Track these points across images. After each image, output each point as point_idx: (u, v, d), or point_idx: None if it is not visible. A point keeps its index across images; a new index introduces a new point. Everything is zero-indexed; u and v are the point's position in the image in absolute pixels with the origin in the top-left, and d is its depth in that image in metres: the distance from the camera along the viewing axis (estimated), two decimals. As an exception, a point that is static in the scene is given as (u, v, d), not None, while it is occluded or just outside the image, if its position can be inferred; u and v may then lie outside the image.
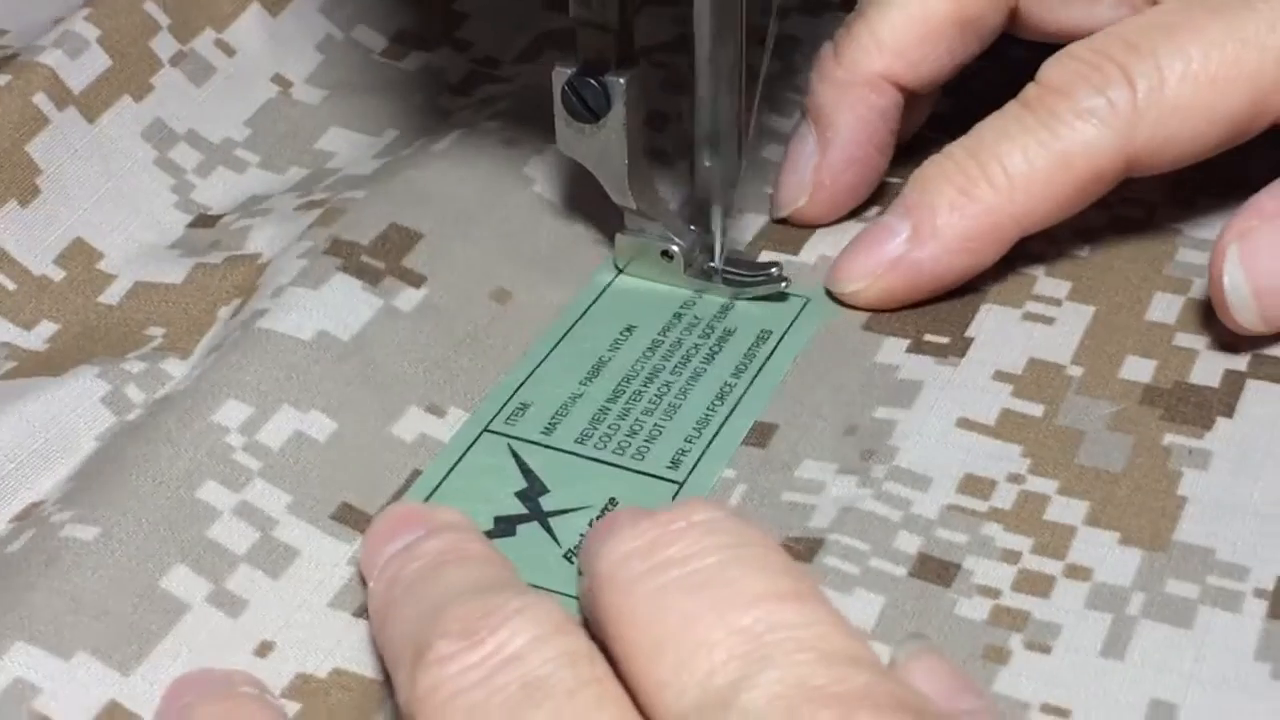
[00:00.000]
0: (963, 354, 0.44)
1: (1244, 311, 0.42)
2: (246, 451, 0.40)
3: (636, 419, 0.42)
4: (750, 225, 0.49)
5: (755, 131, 0.46)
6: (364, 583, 0.38)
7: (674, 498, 0.40)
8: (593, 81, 0.43)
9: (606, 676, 0.32)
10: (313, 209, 0.48)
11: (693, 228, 0.46)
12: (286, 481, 0.40)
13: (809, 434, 0.42)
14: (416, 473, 0.41)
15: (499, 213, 0.47)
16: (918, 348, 0.44)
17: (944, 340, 0.44)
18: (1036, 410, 0.42)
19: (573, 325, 0.45)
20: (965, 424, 0.42)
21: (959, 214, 0.44)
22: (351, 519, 0.40)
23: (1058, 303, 0.45)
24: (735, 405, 0.42)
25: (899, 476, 0.40)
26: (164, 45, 0.51)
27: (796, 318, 0.45)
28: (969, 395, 0.42)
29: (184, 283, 0.47)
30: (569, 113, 0.44)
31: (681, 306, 0.46)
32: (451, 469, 0.41)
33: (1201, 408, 0.42)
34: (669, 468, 0.41)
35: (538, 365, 0.44)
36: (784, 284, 0.45)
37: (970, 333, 0.44)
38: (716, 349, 0.44)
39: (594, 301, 0.46)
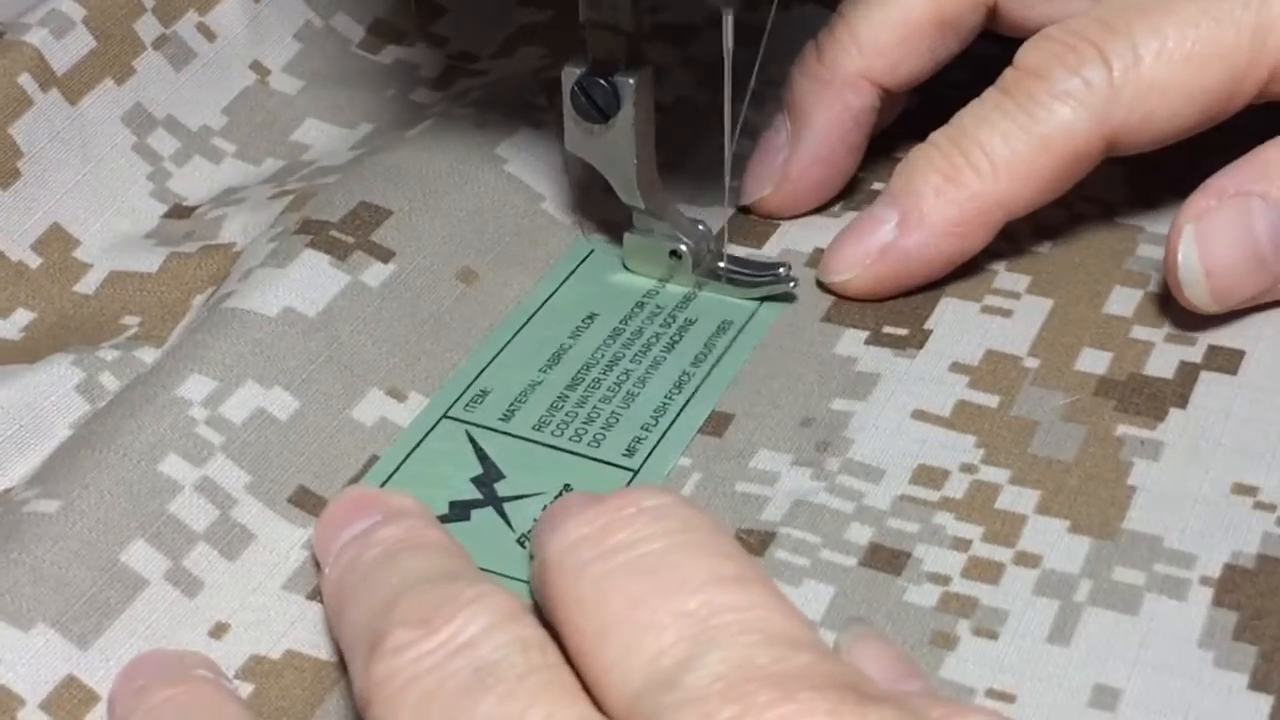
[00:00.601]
0: (921, 346, 0.44)
1: (1196, 290, 0.43)
2: (209, 425, 0.41)
3: (594, 407, 0.43)
4: (719, 215, 0.49)
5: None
6: (318, 566, 0.39)
7: (628, 485, 0.41)
8: (602, 81, 0.43)
9: (558, 663, 0.33)
10: (285, 198, 0.48)
11: (701, 227, 0.46)
12: (247, 460, 0.41)
13: (765, 424, 0.42)
14: (374, 458, 0.42)
15: (469, 190, 0.48)
16: (876, 340, 0.44)
17: (902, 332, 0.44)
18: (992, 401, 0.42)
19: (535, 312, 0.45)
20: (920, 415, 0.42)
21: (945, 200, 0.44)
22: (308, 503, 0.40)
23: (1016, 296, 0.45)
24: (693, 394, 0.43)
25: (852, 469, 0.41)
26: (147, 27, 0.51)
27: (758, 309, 0.45)
28: (925, 387, 0.43)
29: (159, 272, 0.47)
30: (578, 112, 0.44)
31: (644, 295, 0.46)
32: (409, 454, 0.42)
33: (1155, 399, 0.42)
34: (625, 455, 0.41)
35: (499, 352, 0.44)
36: (792, 284, 0.45)
37: (929, 325, 0.45)
38: (677, 338, 0.45)
39: (558, 288, 0.46)
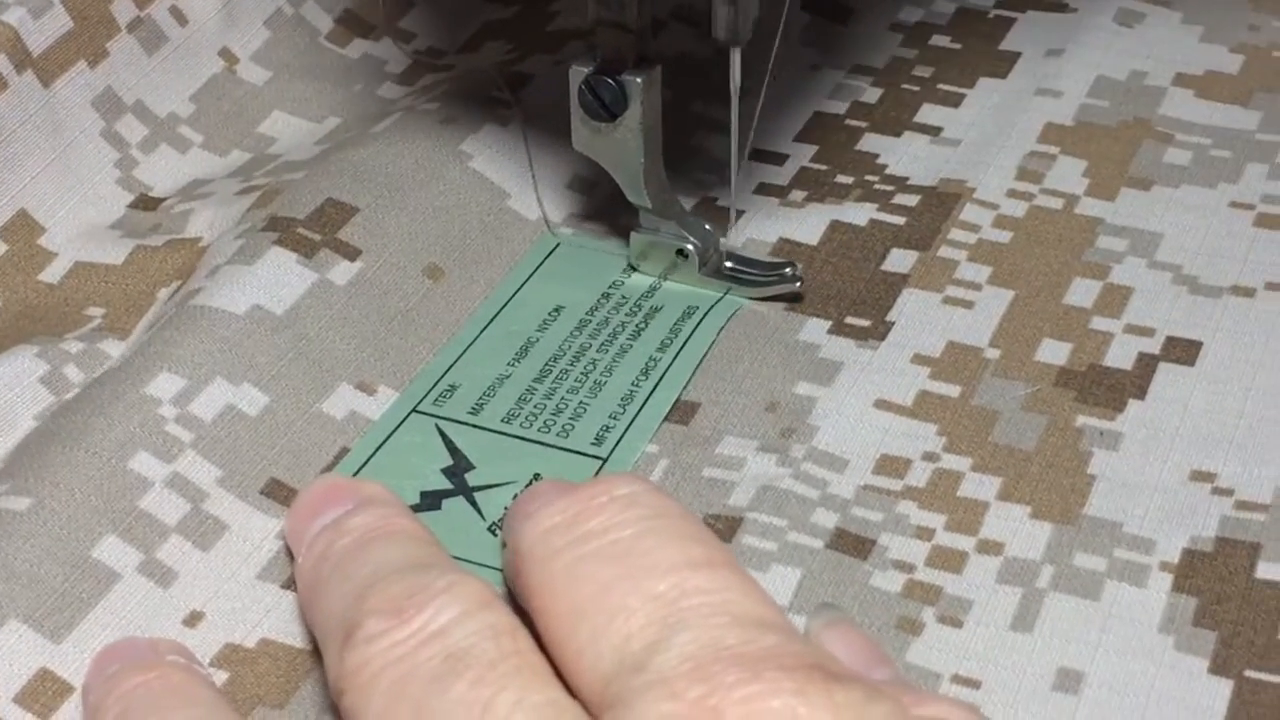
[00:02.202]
0: (883, 337, 0.45)
1: None
2: (178, 423, 0.41)
3: (562, 397, 0.43)
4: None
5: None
6: (291, 555, 0.39)
7: (597, 474, 0.41)
8: (610, 81, 0.43)
9: (529, 649, 0.33)
10: (253, 193, 0.48)
11: (708, 226, 0.46)
12: (217, 455, 0.41)
13: (730, 410, 0.43)
14: (345, 450, 0.42)
15: (435, 187, 0.48)
16: (839, 330, 0.45)
17: (865, 323, 0.45)
18: (953, 391, 0.43)
19: (503, 306, 0.46)
20: (883, 405, 0.43)
21: None
22: (280, 494, 0.41)
23: (978, 287, 0.46)
24: (659, 381, 0.43)
25: (816, 457, 0.41)
26: (123, 9, 0.51)
27: (723, 296, 0.46)
28: (887, 378, 0.43)
29: (124, 264, 0.47)
30: (585, 111, 0.44)
31: (610, 286, 0.46)
32: (379, 446, 0.42)
33: (1114, 390, 0.43)
34: (593, 444, 0.42)
35: (467, 347, 0.45)
36: (798, 284, 0.45)
37: (891, 316, 0.45)
38: (643, 326, 0.45)
39: (525, 282, 0.47)
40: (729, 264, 0.46)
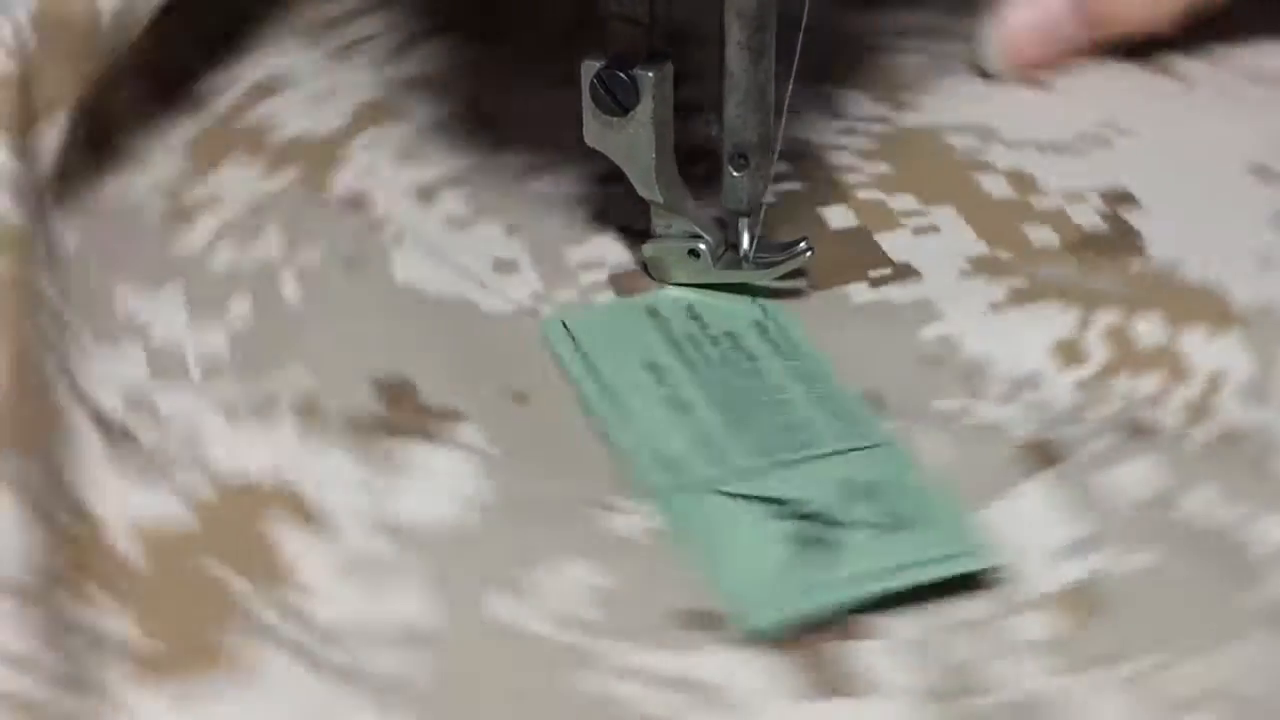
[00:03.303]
0: (907, 275, 0.46)
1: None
2: None
3: (775, 422, 0.41)
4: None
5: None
6: None
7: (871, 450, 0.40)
8: (622, 75, 0.43)
9: None
10: None
11: (719, 220, 0.45)
12: None
13: (901, 383, 0.42)
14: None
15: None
16: (874, 283, 0.46)
17: (886, 271, 0.46)
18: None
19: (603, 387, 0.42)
20: (996, 307, 0.44)
21: None
22: None
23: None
24: (821, 382, 0.42)
25: (999, 385, 0.42)
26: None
27: (762, 306, 0.45)
28: (960, 296, 0.45)
29: None
30: (597, 105, 0.43)
31: (656, 328, 0.44)
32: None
33: None
34: (860, 438, 0.40)
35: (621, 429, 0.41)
36: (809, 254, 0.44)
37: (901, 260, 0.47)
38: (737, 348, 0.43)
39: (588, 365, 0.43)
40: (750, 253, 0.45)
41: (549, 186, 0.49)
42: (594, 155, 0.44)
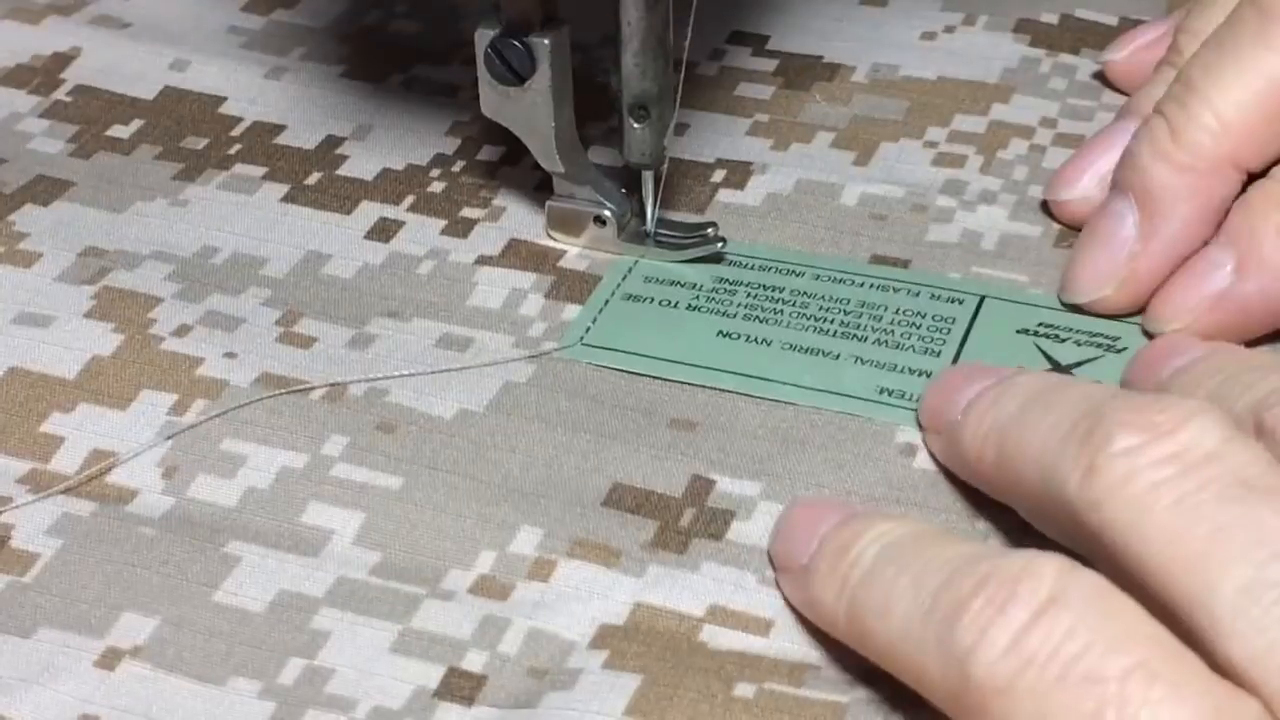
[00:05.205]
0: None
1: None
2: None
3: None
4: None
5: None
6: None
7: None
8: (516, 43, 0.42)
9: None
10: None
11: (624, 191, 0.44)
12: None
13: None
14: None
15: None
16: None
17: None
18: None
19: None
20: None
21: None
22: None
23: None
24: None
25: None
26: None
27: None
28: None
29: None
30: (493, 75, 0.42)
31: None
32: None
33: None
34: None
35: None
36: (720, 244, 0.44)
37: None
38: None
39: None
40: (647, 228, 0.45)
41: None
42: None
